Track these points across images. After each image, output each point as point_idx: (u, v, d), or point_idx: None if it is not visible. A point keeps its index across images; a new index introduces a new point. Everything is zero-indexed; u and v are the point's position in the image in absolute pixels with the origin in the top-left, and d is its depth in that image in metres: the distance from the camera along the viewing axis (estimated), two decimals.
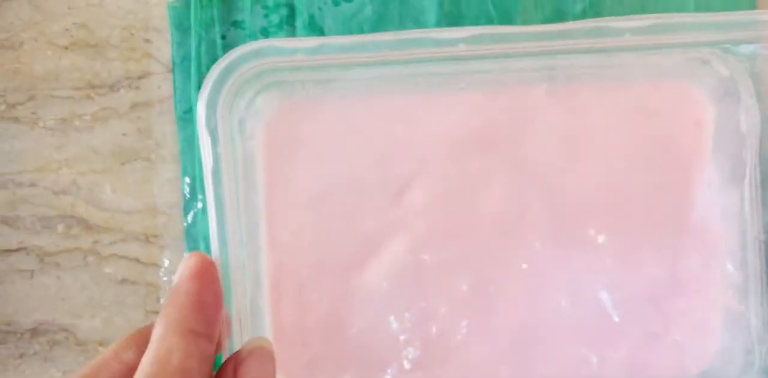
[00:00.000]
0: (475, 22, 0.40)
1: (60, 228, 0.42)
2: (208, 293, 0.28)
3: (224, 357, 0.30)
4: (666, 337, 0.37)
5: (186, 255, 0.29)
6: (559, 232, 0.38)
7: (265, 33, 0.41)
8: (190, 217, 0.41)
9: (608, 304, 0.37)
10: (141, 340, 0.27)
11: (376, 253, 0.38)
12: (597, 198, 0.37)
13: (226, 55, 0.33)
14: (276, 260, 0.38)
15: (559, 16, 0.40)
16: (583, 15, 0.40)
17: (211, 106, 0.33)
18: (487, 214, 0.38)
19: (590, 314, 0.38)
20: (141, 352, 0.26)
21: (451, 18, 0.40)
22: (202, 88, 0.33)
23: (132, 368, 0.26)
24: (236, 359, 0.28)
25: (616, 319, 0.37)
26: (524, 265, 0.38)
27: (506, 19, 0.40)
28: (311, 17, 0.41)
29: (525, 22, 0.40)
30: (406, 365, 0.38)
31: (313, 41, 0.33)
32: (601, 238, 0.37)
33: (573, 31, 0.33)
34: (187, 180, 0.41)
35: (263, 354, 0.28)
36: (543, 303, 0.38)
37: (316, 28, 0.41)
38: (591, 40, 0.34)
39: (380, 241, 0.38)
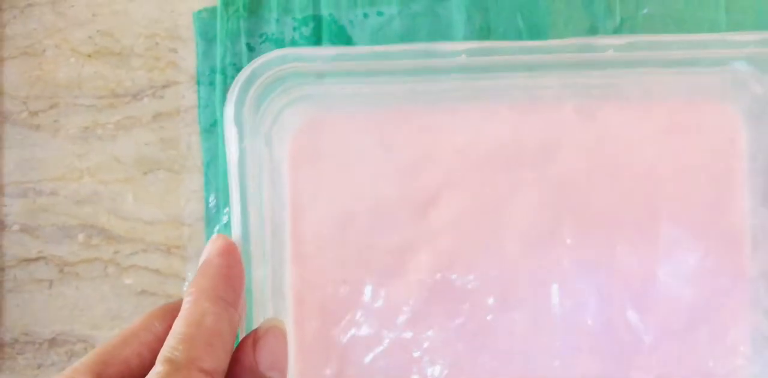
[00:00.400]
0: (504, 37, 0.40)
1: (80, 238, 0.42)
2: (234, 268, 0.30)
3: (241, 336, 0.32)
4: (695, 361, 0.37)
5: (213, 237, 0.31)
6: (588, 252, 0.37)
7: (293, 45, 0.40)
8: (215, 230, 0.41)
9: (637, 325, 0.37)
10: (168, 313, 0.29)
11: (402, 269, 0.38)
12: (626, 217, 0.37)
13: (250, 64, 0.34)
14: (300, 275, 0.38)
15: (590, 32, 0.40)
16: (614, 32, 0.40)
17: (239, 118, 0.33)
18: (514, 231, 0.38)
19: (618, 335, 0.37)
20: (169, 324, 0.28)
21: (480, 32, 0.40)
22: (227, 99, 0.33)
23: (161, 338, 0.28)
24: (255, 336, 0.30)
25: (645, 341, 0.37)
26: (552, 284, 0.37)
27: (535, 33, 0.40)
28: (340, 29, 0.40)
29: (555, 38, 0.40)
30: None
31: (335, 49, 0.34)
32: (630, 258, 0.37)
33: (598, 46, 0.34)
34: (212, 196, 0.40)
35: (278, 332, 0.31)
36: (570, 322, 0.37)
37: (343, 41, 0.40)
38: (619, 54, 0.34)
39: (406, 257, 0.38)
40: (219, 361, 0.27)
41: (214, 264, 0.30)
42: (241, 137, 0.33)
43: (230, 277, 0.30)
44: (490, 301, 0.38)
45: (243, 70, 0.34)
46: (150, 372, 0.26)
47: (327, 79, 0.36)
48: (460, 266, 0.38)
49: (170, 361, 0.26)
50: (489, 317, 0.37)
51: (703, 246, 0.37)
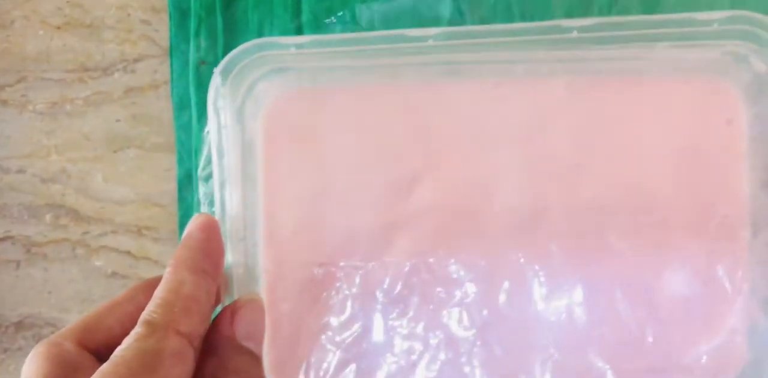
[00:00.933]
0: (494, 9, 0.38)
1: (48, 217, 0.40)
2: (214, 242, 0.32)
3: None
4: (690, 351, 0.35)
5: (195, 215, 0.32)
6: (577, 235, 0.35)
7: (269, 17, 0.38)
8: (185, 210, 0.39)
9: (627, 314, 0.35)
10: (152, 286, 0.30)
11: (380, 252, 0.36)
12: (618, 199, 0.35)
13: (227, 56, 0.34)
14: (275, 257, 0.36)
15: (585, 4, 0.38)
16: (609, 5, 0.38)
17: (218, 103, 0.34)
18: (498, 213, 0.36)
19: (607, 323, 0.35)
20: (151, 296, 0.29)
21: (466, 6, 0.38)
22: (210, 88, 0.34)
23: (143, 309, 0.29)
24: (233, 307, 0.32)
25: (636, 332, 0.35)
26: (537, 269, 0.36)
27: (527, 3, 0.38)
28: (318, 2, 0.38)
29: (546, 12, 0.38)
30: (409, 369, 0.36)
31: (310, 37, 0.34)
32: (621, 243, 0.35)
33: (589, 26, 0.33)
34: (185, 175, 0.39)
35: (256, 305, 0.32)
36: (554, 310, 0.36)
37: (322, 10, 0.38)
38: (613, 32, 0.33)
39: (384, 239, 0.36)
40: (195, 325, 0.29)
41: (195, 237, 0.32)
42: (221, 120, 0.34)
43: (210, 249, 0.32)
44: (472, 285, 0.36)
45: (221, 62, 0.34)
46: (130, 333, 0.27)
47: (304, 53, 0.35)
48: (441, 249, 0.36)
49: (148, 323, 0.28)
50: (471, 301, 0.36)
51: (700, 232, 0.35)
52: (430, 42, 0.34)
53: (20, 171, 0.40)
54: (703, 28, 0.33)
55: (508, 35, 0.34)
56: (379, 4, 0.38)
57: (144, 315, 0.28)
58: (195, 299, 0.29)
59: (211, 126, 0.34)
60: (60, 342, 0.29)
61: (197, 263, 0.31)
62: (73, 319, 0.40)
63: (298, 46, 0.34)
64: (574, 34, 0.33)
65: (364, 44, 0.34)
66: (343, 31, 0.38)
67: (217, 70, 0.34)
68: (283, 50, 0.34)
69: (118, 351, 0.27)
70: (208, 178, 0.35)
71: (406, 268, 0.36)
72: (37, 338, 0.40)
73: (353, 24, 0.38)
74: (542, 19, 0.37)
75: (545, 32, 0.33)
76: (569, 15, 0.38)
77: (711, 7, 0.37)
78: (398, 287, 0.36)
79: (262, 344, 0.32)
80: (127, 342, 0.27)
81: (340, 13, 0.38)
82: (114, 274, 0.40)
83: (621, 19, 0.34)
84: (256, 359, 0.31)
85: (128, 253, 0.40)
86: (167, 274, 0.30)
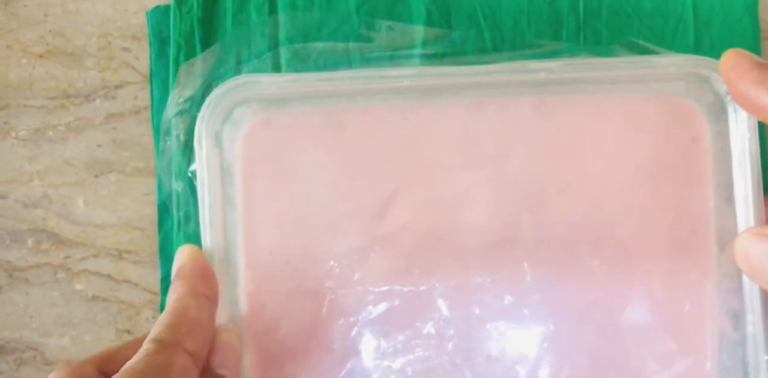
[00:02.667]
0: (464, 37, 0.39)
1: (30, 242, 0.41)
2: (206, 269, 0.34)
3: None
4: (662, 366, 0.36)
5: (180, 247, 0.35)
6: (548, 253, 0.36)
7: (247, 44, 0.39)
8: (165, 233, 0.39)
9: (598, 329, 0.36)
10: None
11: (356, 274, 0.37)
12: (587, 218, 0.36)
13: (209, 97, 0.36)
14: (254, 279, 0.37)
15: (555, 28, 0.39)
16: (577, 30, 0.39)
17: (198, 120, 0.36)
18: (472, 232, 0.37)
19: (579, 339, 0.36)
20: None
21: (440, 29, 0.39)
22: (198, 122, 0.35)
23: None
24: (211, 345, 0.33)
25: (606, 346, 0.36)
26: (511, 289, 0.36)
27: (497, 30, 0.39)
28: (296, 32, 0.39)
29: (515, 35, 0.39)
30: None
31: (290, 76, 0.36)
32: (591, 262, 0.36)
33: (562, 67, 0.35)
34: (165, 199, 0.39)
35: (231, 335, 0.34)
36: (530, 326, 0.36)
37: (299, 38, 0.39)
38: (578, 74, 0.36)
39: (360, 261, 0.37)
40: (199, 346, 0.31)
41: (189, 267, 0.34)
42: (199, 141, 0.35)
43: (205, 276, 0.34)
44: (447, 305, 0.36)
45: (205, 102, 0.36)
46: (138, 351, 0.29)
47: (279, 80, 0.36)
48: (417, 270, 0.36)
49: (158, 341, 0.30)
50: (446, 320, 0.36)
51: (667, 247, 0.36)
52: (405, 82, 0.35)
53: (2, 197, 0.41)
54: (662, 71, 0.35)
55: (480, 75, 0.35)
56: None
57: (152, 335, 0.30)
58: (199, 322, 0.32)
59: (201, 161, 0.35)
60: (81, 366, 0.31)
61: (197, 289, 0.33)
62: (54, 343, 0.40)
63: (279, 85, 0.36)
64: (542, 75, 0.35)
65: (341, 82, 0.36)
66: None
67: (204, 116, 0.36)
68: (262, 88, 0.36)
69: (130, 363, 0.29)
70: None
71: (384, 290, 0.37)
72: (19, 362, 0.40)
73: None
74: (512, 42, 0.39)
75: (515, 72, 0.35)
76: (539, 36, 0.39)
77: (674, 33, 0.39)
78: (377, 309, 0.37)
79: (237, 371, 0.34)
80: (137, 357, 0.29)
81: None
82: (95, 298, 0.40)
83: (584, 61, 0.36)
84: None
85: (109, 276, 0.40)
86: (171, 301, 0.32)
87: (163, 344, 0.30)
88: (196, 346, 0.31)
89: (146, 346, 0.30)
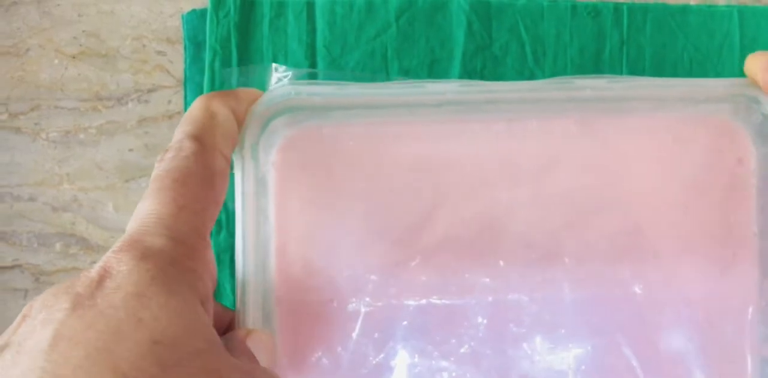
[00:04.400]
0: (506, 48, 0.38)
1: (58, 246, 0.40)
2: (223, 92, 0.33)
3: None
4: None
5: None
6: (588, 273, 0.35)
7: (284, 50, 0.39)
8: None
9: (637, 353, 0.35)
10: None
11: (391, 289, 0.36)
12: (629, 238, 0.35)
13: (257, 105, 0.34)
14: (287, 291, 0.36)
15: (598, 43, 0.38)
16: (621, 45, 0.38)
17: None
18: (511, 249, 0.36)
19: (617, 362, 0.35)
20: None
21: (482, 42, 0.38)
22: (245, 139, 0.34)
23: None
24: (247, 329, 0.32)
25: (644, 370, 0.35)
26: (549, 305, 0.36)
27: (539, 44, 0.38)
28: (333, 38, 0.39)
29: (557, 48, 0.38)
30: None
31: (329, 87, 0.35)
32: (632, 281, 0.35)
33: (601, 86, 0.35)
34: None
35: (268, 335, 0.32)
36: (567, 347, 0.36)
37: (338, 48, 0.39)
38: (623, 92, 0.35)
39: (395, 276, 0.36)
40: (229, 152, 0.31)
41: (206, 94, 0.32)
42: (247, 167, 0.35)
43: (231, 93, 0.32)
44: (484, 323, 0.36)
45: (253, 111, 0.34)
46: (179, 147, 0.29)
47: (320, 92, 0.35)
48: (454, 286, 0.36)
49: (199, 140, 0.29)
50: (482, 340, 0.36)
51: (709, 271, 0.35)
52: (448, 96, 0.35)
53: (31, 199, 0.40)
54: (710, 91, 0.34)
55: (523, 91, 0.35)
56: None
57: (189, 131, 0.29)
58: (228, 129, 0.31)
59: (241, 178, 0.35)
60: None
61: (226, 100, 0.31)
62: None
63: (318, 96, 0.35)
64: (588, 92, 0.34)
65: (381, 94, 0.35)
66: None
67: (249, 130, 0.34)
68: (301, 98, 0.35)
69: (180, 162, 0.28)
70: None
71: (420, 306, 0.36)
72: None
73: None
74: (554, 56, 0.38)
75: (559, 89, 0.34)
76: (582, 50, 0.38)
77: (720, 50, 0.38)
78: (412, 325, 0.36)
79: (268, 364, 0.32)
80: (184, 153, 0.28)
81: None
82: None
83: (631, 79, 0.35)
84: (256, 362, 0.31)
85: None
86: (198, 103, 0.31)
87: (204, 145, 0.29)
88: (228, 151, 0.31)
89: (188, 144, 0.29)
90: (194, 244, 0.28)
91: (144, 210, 0.27)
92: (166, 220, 0.27)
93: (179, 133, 0.30)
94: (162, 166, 0.28)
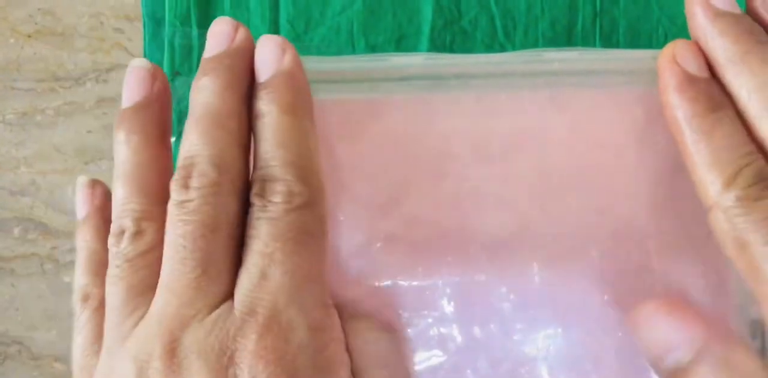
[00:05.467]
0: (475, 23, 0.37)
1: (16, 231, 0.39)
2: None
3: None
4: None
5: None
6: (559, 252, 0.34)
7: (246, 25, 0.37)
8: None
9: (608, 333, 0.34)
10: None
11: (360, 269, 0.35)
12: (601, 215, 0.34)
13: None
14: None
15: (570, 16, 0.37)
16: (594, 17, 0.37)
17: None
18: (480, 228, 0.35)
19: (588, 343, 0.35)
20: None
21: (450, 15, 0.37)
22: None
23: None
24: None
25: (615, 350, 0.34)
26: (518, 285, 0.35)
27: (509, 16, 0.37)
28: (297, 11, 0.37)
29: (528, 21, 0.37)
30: None
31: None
32: (604, 260, 0.34)
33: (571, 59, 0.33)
34: None
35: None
36: (537, 328, 0.35)
37: (302, 23, 0.37)
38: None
39: (364, 256, 0.35)
40: None
41: (290, 72, 0.28)
42: None
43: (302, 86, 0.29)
44: (451, 304, 0.35)
45: None
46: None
47: None
48: (421, 267, 0.35)
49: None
50: (449, 322, 0.35)
51: (684, 249, 0.34)
52: (412, 69, 0.33)
53: None
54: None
55: (491, 64, 0.33)
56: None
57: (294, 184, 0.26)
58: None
59: None
60: None
61: (308, 107, 0.28)
62: (41, 337, 0.39)
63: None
64: (556, 65, 0.33)
65: (342, 69, 0.33)
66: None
67: None
68: None
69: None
70: None
71: (386, 289, 0.35)
72: (3, 357, 0.39)
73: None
74: (525, 29, 0.37)
75: (528, 62, 0.33)
76: (554, 23, 0.37)
77: None
78: (374, 308, 0.35)
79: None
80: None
81: None
82: None
83: (601, 52, 0.34)
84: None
85: None
86: (287, 120, 0.27)
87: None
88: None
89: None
90: None
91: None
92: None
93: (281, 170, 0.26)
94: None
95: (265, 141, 0.26)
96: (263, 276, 0.25)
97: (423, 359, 0.35)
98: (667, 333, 0.29)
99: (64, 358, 0.39)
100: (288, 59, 0.28)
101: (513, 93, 0.35)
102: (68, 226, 0.39)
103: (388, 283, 0.35)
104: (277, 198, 0.25)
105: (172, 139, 0.36)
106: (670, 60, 0.30)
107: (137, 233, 0.26)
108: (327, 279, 0.27)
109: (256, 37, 0.37)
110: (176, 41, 0.38)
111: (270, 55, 0.28)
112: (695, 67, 0.30)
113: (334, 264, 0.35)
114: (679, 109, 0.29)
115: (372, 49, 0.37)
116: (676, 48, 0.30)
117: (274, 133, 0.26)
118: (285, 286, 0.25)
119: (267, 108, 0.27)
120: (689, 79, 0.29)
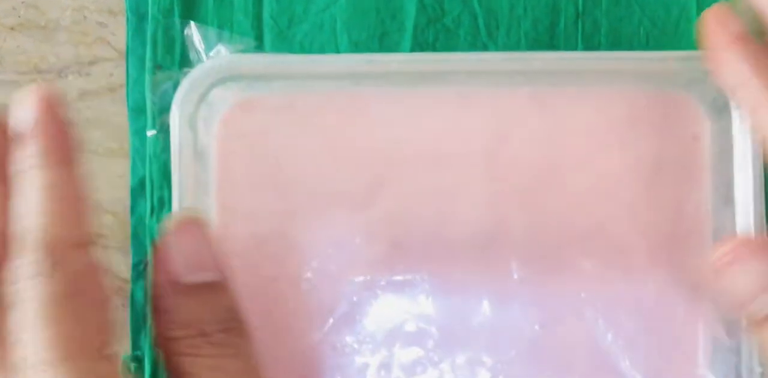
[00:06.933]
0: (458, 21, 0.37)
1: None
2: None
3: None
4: (651, 372, 0.35)
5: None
6: (538, 251, 0.35)
7: (229, 22, 0.38)
8: (139, 218, 0.38)
9: (587, 331, 0.35)
10: None
11: (338, 264, 0.35)
12: (580, 214, 0.35)
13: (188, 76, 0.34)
14: (227, 270, 0.35)
15: (552, 16, 0.37)
16: (576, 18, 0.37)
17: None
18: (459, 226, 0.35)
19: (566, 341, 0.35)
20: None
21: (434, 13, 0.37)
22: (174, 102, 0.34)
23: None
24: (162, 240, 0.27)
25: (594, 349, 0.35)
26: (497, 284, 0.35)
27: (492, 16, 0.37)
28: (281, 8, 0.37)
29: (511, 21, 0.37)
30: None
31: (271, 57, 0.35)
32: (583, 259, 0.35)
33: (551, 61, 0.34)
34: (138, 182, 0.38)
35: (194, 221, 0.28)
36: (516, 326, 0.35)
37: (285, 20, 0.37)
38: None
39: (342, 251, 0.35)
40: None
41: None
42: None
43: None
44: (429, 301, 0.35)
45: (181, 83, 0.34)
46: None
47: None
48: (400, 263, 0.35)
49: None
50: (428, 318, 0.35)
51: (663, 249, 0.35)
52: (394, 66, 0.34)
53: None
54: (664, 65, 0.34)
55: (472, 62, 0.34)
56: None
57: None
58: None
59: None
60: None
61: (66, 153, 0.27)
62: None
63: (259, 66, 0.34)
64: (538, 64, 0.34)
65: (326, 65, 0.34)
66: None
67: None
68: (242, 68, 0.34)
69: None
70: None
71: (366, 284, 0.35)
72: None
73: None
74: (508, 29, 0.37)
75: (509, 60, 0.34)
76: (536, 23, 0.37)
77: (677, 23, 0.37)
78: (352, 304, 0.35)
79: (222, 269, 0.28)
80: None
81: None
82: None
83: (583, 54, 0.35)
84: (221, 291, 0.27)
85: None
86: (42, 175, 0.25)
87: None
88: None
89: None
90: None
91: None
92: None
93: None
94: None
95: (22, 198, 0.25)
96: None
97: (400, 355, 0.35)
98: (752, 275, 0.28)
99: None
100: (39, 108, 0.26)
101: (495, 91, 0.35)
102: None
103: (368, 278, 0.35)
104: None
105: (153, 132, 0.37)
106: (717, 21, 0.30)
107: None
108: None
109: (241, 29, 0.37)
110: (159, 35, 0.38)
111: (20, 110, 0.26)
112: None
113: (311, 258, 0.35)
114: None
115: (355, 45, 0.37)
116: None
117: (30, 192, 0.25)
118: None
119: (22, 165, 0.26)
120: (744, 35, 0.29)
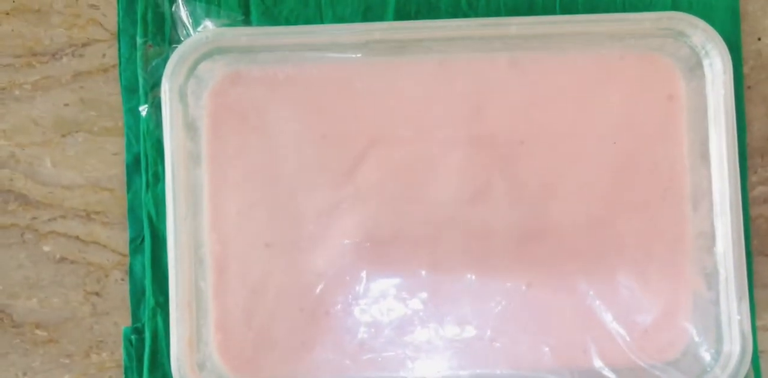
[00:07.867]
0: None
1: None
2: None
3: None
4: (636, 324, 0.35)
5: None
6: (520, 212, 0.36)
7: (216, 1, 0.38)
8: (134, 194, 0.39)
9: (572, 288, 0.36)
10: None
11: (326, 230, 0.36)
12: (560, 176, 0.36)
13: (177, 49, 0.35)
14: (220, 239, 0.36)
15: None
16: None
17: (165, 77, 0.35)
18: (442, 190, 0.36)
19: (554, 298, 0.36)
20: None
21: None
22: (164, 77, 0.35)
23: None
24: None
25: (580, 305, 0.35)
26: (482, 245, 0.36)
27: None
28: None
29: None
30: (354, 347, 0.36)
31: (255, 29, 0.36)
32: (565, 219, 0.35)
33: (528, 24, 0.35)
34: (133, 159, 0.38)
35: None
36: (503, 285, 0.36)
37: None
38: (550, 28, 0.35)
39: (330, 218, 0.36)
40: None
41: None
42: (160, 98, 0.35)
43: None
44: (415, 263, 0.36)
45: (170, 58, 0.35)
46: None
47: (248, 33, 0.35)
48: (387, 229, 0.36)
49: None
50: (416, 278, 0.36)
51: (640, 205, 0.35)
52: (375, 34, 0.35)
53: None
54: (638, 26, 0.35)
55: (451, 29, 0.35)
56: None
57: None
58: None
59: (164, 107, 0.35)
60: None
61: None
62: (22, 305, 0.40)
63: (245, 38, 0.35)
64: (513, 29, 0.35)
65: (310, 35, 0.35)
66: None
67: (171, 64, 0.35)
68: (228, 41, 0.35)
69: None
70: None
71: (354, 248, 0.36)
72: None
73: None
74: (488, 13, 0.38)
75: (486, 26, 0.35)
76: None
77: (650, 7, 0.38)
78: (346, 267, 0.36)
79: None
80: None
81: None
82: (63, 259, 0.40)
83: (558, 17, 0.36)
84: None
85: (77, 238, 0.40)
86: None
87: None
88: None
89: None
90: None
91: None
92: None
93: None
94: None
95: None
96: None
97: (390, 315, 0.36)
98: None
99: (44, 325, 0.40)
100: None
101: (473, 57, 0.36)
102: (47, 197, 0.39)
103: (352, 244, 0.36)
104: None
105: (144, 107, 0.37)
106: None
107: None
108: None
109: (228, 6, 0.38)
110: (149, 14, 0.39)
111: None
112: None
113: (300, 225, 0.36)
114: None
115: (340, 20, 0.38)
116: None
117: None
118: None
119: None
120: None
